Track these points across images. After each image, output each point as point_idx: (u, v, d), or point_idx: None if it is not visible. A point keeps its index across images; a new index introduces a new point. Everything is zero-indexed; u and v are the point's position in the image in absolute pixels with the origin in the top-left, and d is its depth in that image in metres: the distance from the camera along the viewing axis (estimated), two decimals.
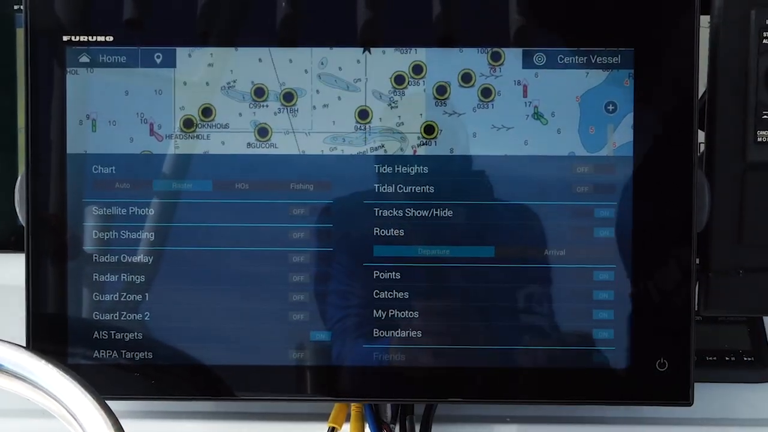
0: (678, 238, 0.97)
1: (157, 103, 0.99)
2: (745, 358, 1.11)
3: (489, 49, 0.98)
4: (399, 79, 0.98)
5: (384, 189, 0.99)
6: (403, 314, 0.99)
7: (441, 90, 0.98)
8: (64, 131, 0.99)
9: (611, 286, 0.98)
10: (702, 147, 1.01)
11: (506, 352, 0.99)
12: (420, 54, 0.98)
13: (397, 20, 0.98)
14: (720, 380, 1.10)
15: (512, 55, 0.98)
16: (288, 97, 0.99)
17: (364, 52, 0.99)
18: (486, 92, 0.98)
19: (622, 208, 0.98)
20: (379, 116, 0.99)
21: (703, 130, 1.00)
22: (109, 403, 0.78)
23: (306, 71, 0.99)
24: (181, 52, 0.99)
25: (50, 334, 1.00)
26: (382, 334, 0.99)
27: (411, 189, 0.98)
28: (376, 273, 0.99)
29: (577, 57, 0.98)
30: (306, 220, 0.99)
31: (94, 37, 0.99)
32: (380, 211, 0.98)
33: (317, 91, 0.99)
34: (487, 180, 0.98)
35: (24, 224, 0.99)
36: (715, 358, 1.10)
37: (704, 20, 0.99)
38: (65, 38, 0.99)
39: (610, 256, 0.98)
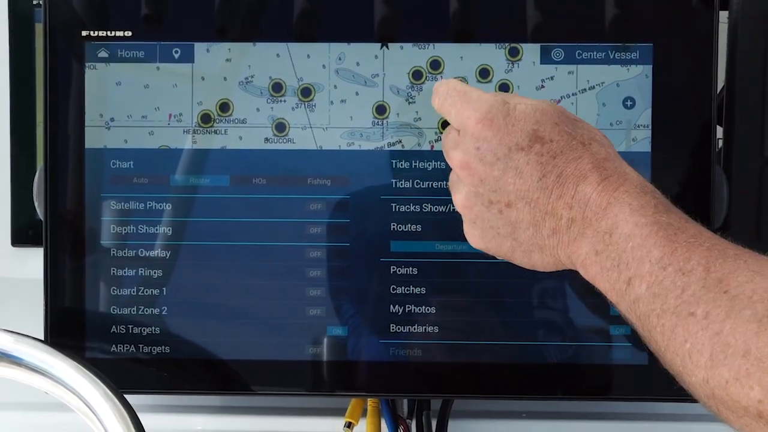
0: None
1: (175, 98, 0.99)
2: None
3: (507, 44, 0.98)
4: (417, 75, 0.98)
5: (401, 184, 0.99)
6: (419, 309, 0.99)
7: None
8: (82, 126, 0.99)
9: None
10: (720, 143, 1.00)
11: (523, 348, 0.99)
12: (438, 49, 0.98)
13: (415, 15, 0.98)
14: None
15: (530, 51, 0.98)
16: (306, 92, 0.99)
17: (381, 47, 0.99)
18: (504, 87, 0.98)
19: None
20: (396, 112, 0.99)
21: (721, 126, 1.00)
22: (127, 397, 0.78)
23: (324, 66, 0.99)
24: (199, 47, 0.99)
25: (68, 328, 1.00)
26: (398, 329, 0.99)
27: (428, 184, 0.98)
28: (393, 268, 0.99)
29: (595, 52, 0.98)
30: (323, 215, 0.99)
31: (113, 32, 0.99)
32: (397, 207, 0.98)
33: (335, 87, 0.99)
34: None
35: (42, 219, 1.00)
36: None
37: (723, 16, 0.99)
38: (84, 33, 0.99)
39: None
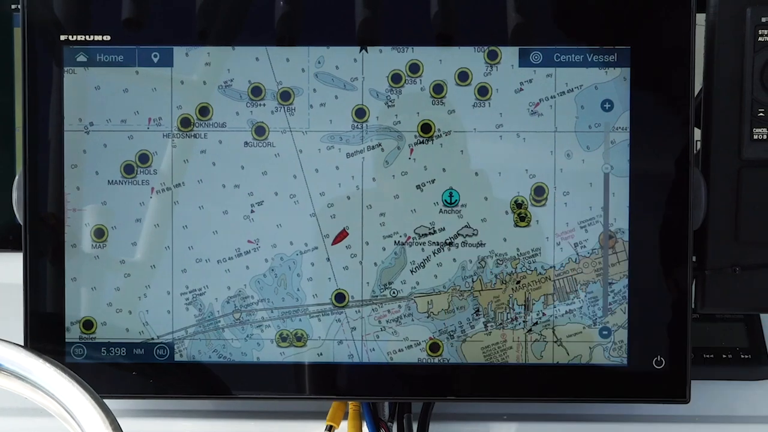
0: (674, 236, 0.97)
1: (155, 102, 0.99)
2: (742, 356, 1.11)
3: (486, 47, 0.98)
4: (396, 78, 0.99)
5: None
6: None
7: (438, 88, 0.98)
8: (61, 130, 0.99)
9: None
10: (698, 145, 1.01)
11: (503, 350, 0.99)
12: (417, 52, 0.99)
13: (394, 19, 0.99)
14: (717, 378, 1.10)
15: (509, 54, 0.98)
16: (285, 95, 0.99)
17: (361, 51, 0.99)
18: (483, 90, 0.98)
19: None
20: (376, 115, 0.99)
21: (699, 128, 1.00)
22: (107, 401, 0.78)
23: (303, 70, 0.99)
24: (179, 51, 0.99)
25: (48, 332, 1.00)
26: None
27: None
28: None
29: (573, 55, 0.98)
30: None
31: (92, 37, 0.99)
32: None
33: (314, 90, 0.99)
34: (484, 178, 0.98)
35: (22, 223, 0.99)
36: (712, 356, 1.10)
37: (700, 18, 0.99)
38: (62, 37, 0.99)
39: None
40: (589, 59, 0.98)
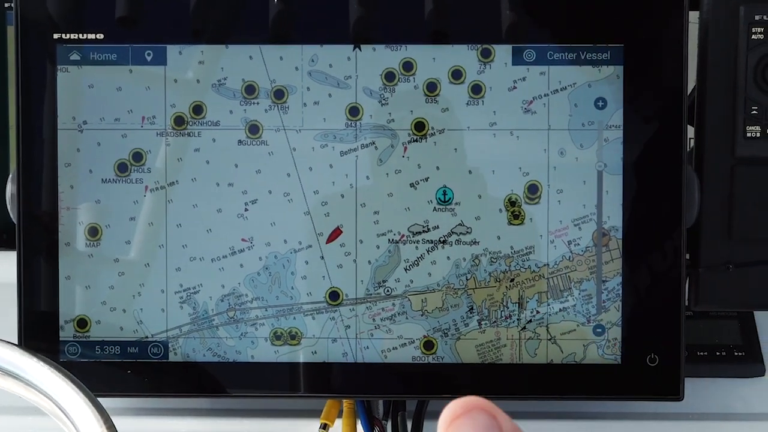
0: (668, 234, 0.98)
1: (148, 100, 0.99)
2: (735, 353, 1.11)
3: (479, 45, 0.98)
4: (389, 76, 0.99)
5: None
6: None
7: (431, 87, 0.98)
8: (54, 129, 0.99)
9: None
10: (691, 143, 1.01)
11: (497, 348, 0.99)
12: (410, 51, 0.99)
13: (388, 17, 0.99)
14: (711, 375, 1.10)
15: (502, 52, 0.98)
16: (279, 94, 0.99)
17: (354, 49, 0.99)
18: (476, 89, 0.98)
19: None
20: (369, 113, 0.99)
21: (692, 126, 1.01)
22: (102, 400, 0.78)
23: (296, 68, 0.99)
24: (172, 50, 0.99)
25: (42, 331, 1.00)
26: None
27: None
28: None
29: (566, 53, 0.98)
30: None
31: (85, 35, 0.99)
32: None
33: (308, 89, 0.99)
34: (478, 176, 0.99)
35: (15, 221, 0.99)
36: (705, 354, 1.11)
37: (693, 16, 0.99)
38: (56, 36, 0.99)
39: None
40: (583, 57, 0.98)
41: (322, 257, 0.99)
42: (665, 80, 0.98)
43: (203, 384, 1.01)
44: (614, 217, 0.98)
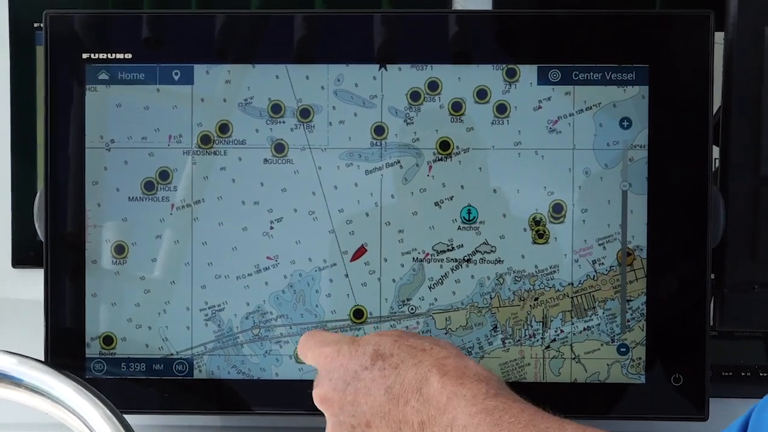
0: (693, 254, 0.97)
1: (175, 119, 1.00)
2: (760, 374, 1.10)
3: (504, 65, 0.99)
4: (415, 96, 0.99)
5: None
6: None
7: (456, 106, 0.99)
8: (82, 148, 1.00)
9: None
10: (716, 162, 1.01)
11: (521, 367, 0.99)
12: (436, 70, 0.99)
13: (413, 37, 0.99)
14: (735, 395, 1.10)
15: (527, 72, 0.99)
16: (304, 113, 1.00)
17: (380, 68, 0.99)
18: (501, 108, 0.99)
19: None
20: (395, 132, 0.99)
21: (717, 146, 1.00)
22: (127, 417, 0.78)
23: (322, 88, 0.99)
24: (199, 69, 1.00)
25: (68, 348, 1.00)
26: None
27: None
28: None
29: (591, 73, 0.98)
30: None
31: (113, 55, 1.00)
32: None
33: (333, 108, 0.99)
34: (502, 195, 0.99)
35: (43, 240, 1.00)
36: (730, 374, 1.10)
37: (719, 37, 0.99)
38: (84, 56, 1.00)
39: None
40: (608, 77, 0.98)
41: (347, 275, 0.99)
42: (690, 100, 0.97)
43: (228, 401, 1.01)
44: (639, 236, 0.98)
